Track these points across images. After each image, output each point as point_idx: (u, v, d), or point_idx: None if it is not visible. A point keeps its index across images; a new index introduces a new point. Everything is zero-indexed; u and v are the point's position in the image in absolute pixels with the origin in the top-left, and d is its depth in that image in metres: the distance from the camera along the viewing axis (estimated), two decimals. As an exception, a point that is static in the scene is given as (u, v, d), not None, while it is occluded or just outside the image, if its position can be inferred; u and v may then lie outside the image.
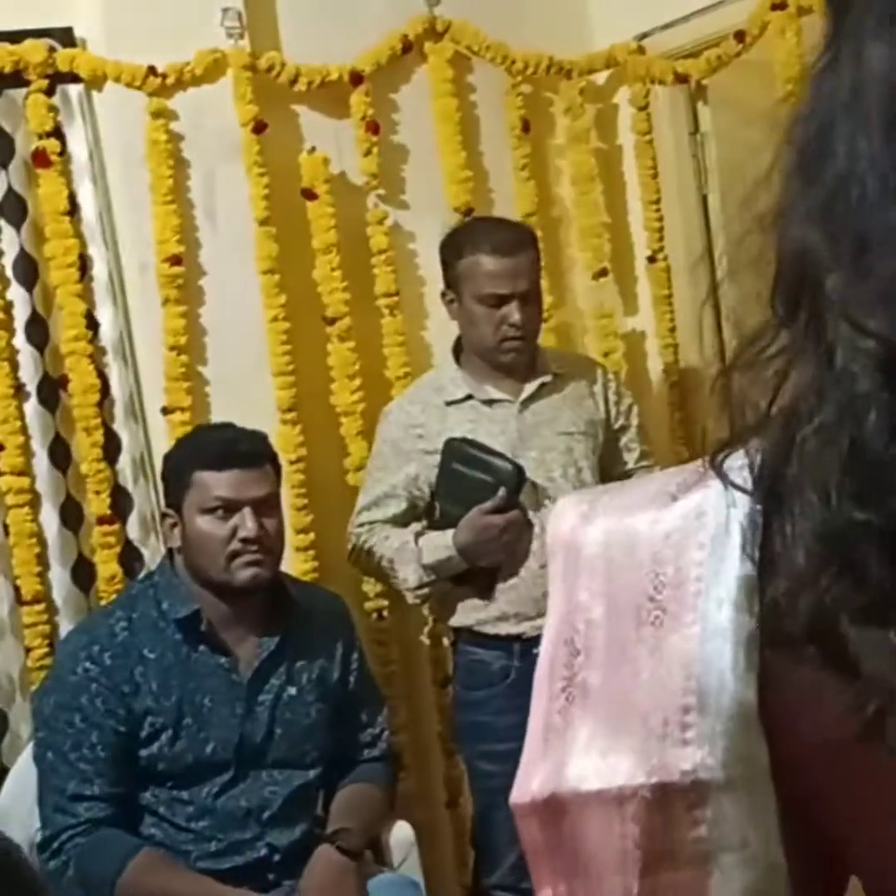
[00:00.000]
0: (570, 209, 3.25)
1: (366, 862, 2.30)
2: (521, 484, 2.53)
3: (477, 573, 2.58)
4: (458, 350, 2.70)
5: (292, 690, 2.33)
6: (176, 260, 2.72)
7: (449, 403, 2.64)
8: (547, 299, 2.78)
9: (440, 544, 2.55)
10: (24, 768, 2.36)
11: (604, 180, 3.28)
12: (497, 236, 2.59)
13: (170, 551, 2.37)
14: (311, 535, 2.84)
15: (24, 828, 2.28)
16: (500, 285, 2.56)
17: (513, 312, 2.57)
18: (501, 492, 2.49)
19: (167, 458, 2.40)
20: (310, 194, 2.87)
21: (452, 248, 2.63)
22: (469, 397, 2.64)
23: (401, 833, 2.48)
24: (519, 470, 2.52)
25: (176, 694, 2.24)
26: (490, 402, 2.65)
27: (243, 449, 2.28)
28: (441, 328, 2.82)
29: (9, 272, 2.60)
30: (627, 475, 2.81)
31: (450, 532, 2.54)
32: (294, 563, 2.78)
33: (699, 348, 3.29)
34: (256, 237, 2.81)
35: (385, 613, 2.91)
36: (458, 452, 2.54)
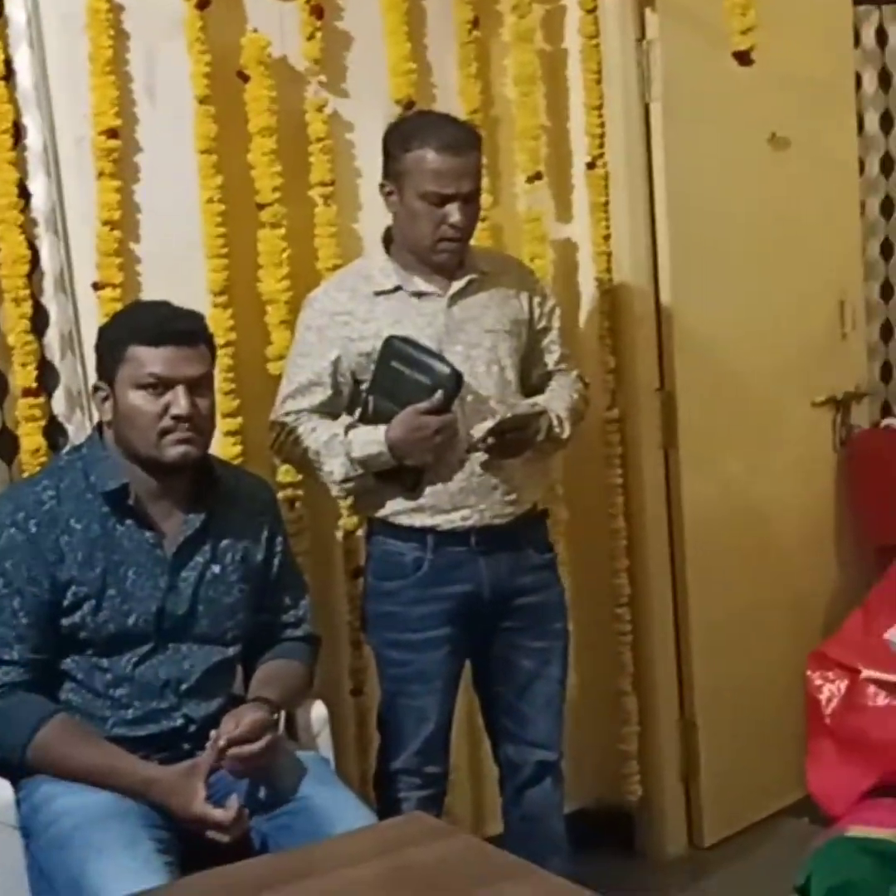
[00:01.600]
0: (511, 110, 3.24)
1: (279, 735, 2.35)
2: (459, 388, 2.56)
3: (402, 471, 2.62)
4: (387, 240, 2.71)
5: (216, 568, 2.36)
6: (112, 133, 2.68)
7: (377, 294, 2.65)
8: (483, 200, 2.79)
9: (371, 439, 2.57)
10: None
11: (547, 82, 3.29)
12: (446, 134, 2.57)
13: (99, 425, 2.36)
14: (239, 420, 2.85)
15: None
16: (444, 184, 2.55)
17: (453, 213, 2.57)
18: (439, 394, 2.52)
19: (102, 330, 2.38)
20: (244, 76, 2.83)
21: (398, 140, 2.61)
22: (398, 289, 2.66)
23: (316, 712, 2.54)
24: (457, 374, 2.54)
25: (100, 565, 2.26)
26: (419, 295, 2.66)
27: (181, 327, 2.28)
28: (375, 222, 2.82)
29: (-61, 135, 2.55)
30: (547, 376, 2.85)
31: (382, 428, 2.57)
32: (221, 447, 2.79)
33: (631, 258, 3.34)
34: (195, 116, 2.78)
35: (299, 503, 2.94)
36: (397, 351, 2.56)
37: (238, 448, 2.85)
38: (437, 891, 1.78)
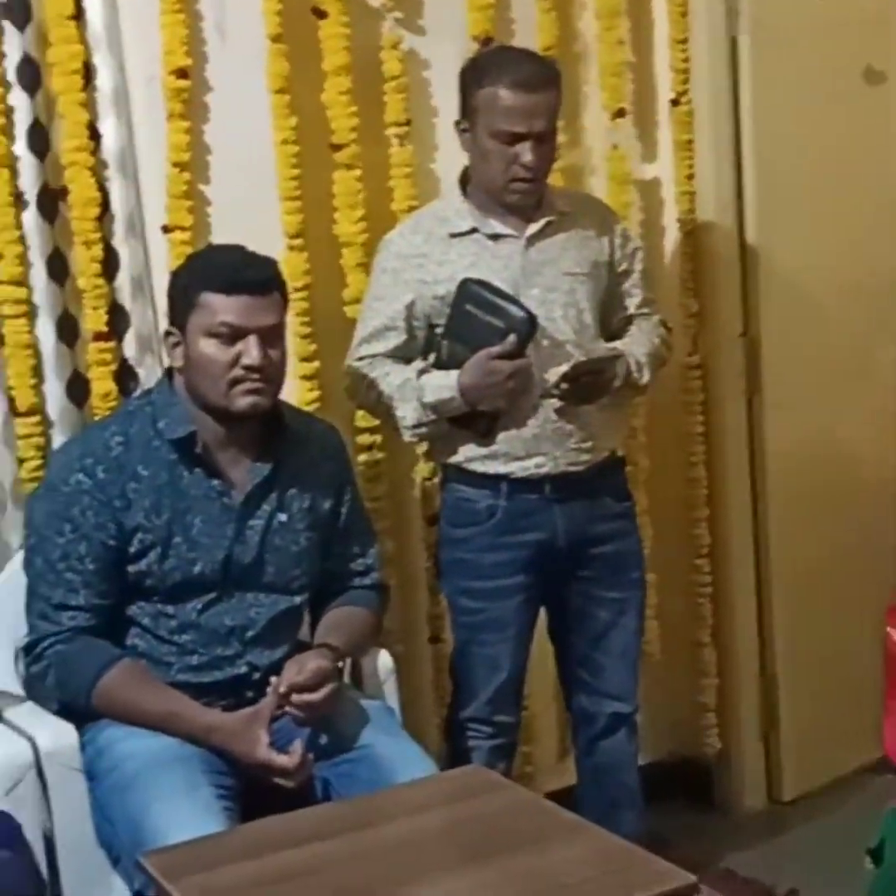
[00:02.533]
0: (591, 45, 3.15)
1: (344, 684, 2.34)
2: (533, 332, 2.50)
3: (476, 417, 2.57)
4: (464, 181, 2.65)
5: (283, 517, 2.34)
6: (182, 73, 2.64)
7: (453, 236, 2.60)
8: (560, 138, 2.72)
9: (443, 384, 2.53)
10: (12, 575, 2.39)
11: (630, 16, 3.18)
12: (521, 70, 2.50)
13: (169, 370, 2.35)
14: (315, 364, 2.83)
15: (11, 632, 2.32)
16: (516, 123, 2.49)
17: (525, 152, 2.50)
18: (512, 338, 2.46)
19: (175, 275, 2.35)
20: (320, 12, 2.78)
21: (473, 76, 2.54)
22: (474, 231, 2.60)
23: (381, 662, 2.52)
24: (532, 318, 2.49)
25: (167, 513, 2.25)
26: (495, 237, 2.60)
27: (254, 275, 2.23)
28: (451, 162, 2.75)
29: (11, 76, 2.52)
30: (628, 321, 2.78)
31: (454, 372, 2.52)
32: (298, 392, 2.77)
33: (716, 198, 3.23)
34: (268, 54, 2.73)
35: (377, 448, 2.91)
36: (471, 294, 2.51)
37: (315, 393, 2.83)
38: (489, 845, 1.77)
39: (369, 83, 2.85)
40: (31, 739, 2.18)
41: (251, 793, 2.16)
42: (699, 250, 3.28)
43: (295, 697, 2.16)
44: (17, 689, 2.33)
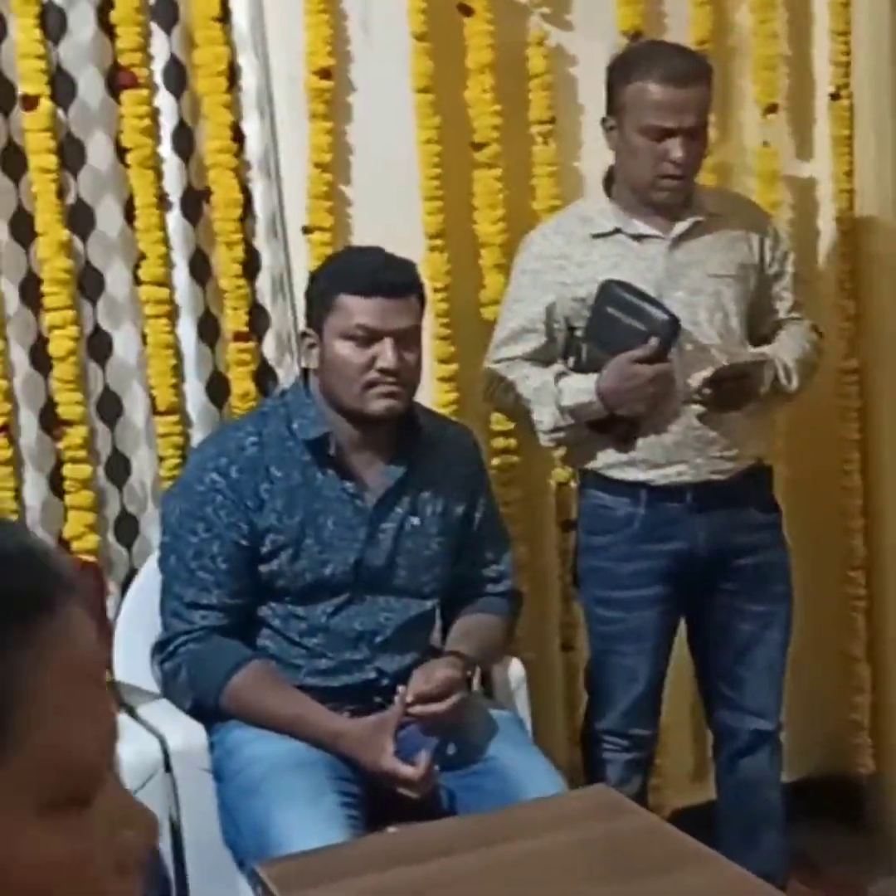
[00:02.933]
0: (746, 39, 3.04)
1: (474, 693, 2.30)
2: (675, 336, 2.42)
3: (615, 422, 2.51)
4: (609, 181, 2.58)
5: (415, 520, 2.32)
6: (325, 73, 2.64)
7: (595, 236, 2.53)
8: (711, 134, 2.63)
9: (582, 388, 2.47)
10: (151, 572, 2.41)
11: (787, 7, 3.07)
12: (670, 64, 2.43)
13: (304, 372, 2.34)
14: (453, 366, 2.80)
15: (150, 629, 2.34)
16: (665, 118, 2.41)
17: (675, 148, 2.43)
18: (653, 341, 2.39)
19: (313, 276, 2.35)
20: (467, 9, 2.74)
21: (620, 71, 2.48)
22: (617, 231, 2.53)
23: (512, 670, 2.48)
24: (675, 321, 2.41)
25: (299, 514, 2.24)
26: (639, 238, 2.53)
27: (392, 278, 2.22)
28: (596, 161, 2.69)
29: (158, 78, 2.55)
30: (777, 325, 2.68)
31: (593, 376, 2.46)
32: (436, 394, 2.75)
33: (877, 195, 3.10)
34: (412, 53, 2.71)
35: (513, 452, 2.86)
36: (613, 295, 2.44)
37: (452, 395, 2.80)
38: (616, 869, 1.72)
39: (513, 80, 2.80)
40: (161, 738, 2.20)
41: (376, 801, 2.14)
42: (858, 250, 3.14)
43: (421, 708, 2.13)
44: (152, 686, 2.36)
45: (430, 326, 2.69)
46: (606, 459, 2.56)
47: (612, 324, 2.45)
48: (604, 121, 2.53)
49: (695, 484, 2.54)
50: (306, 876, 1.76)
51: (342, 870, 1.79)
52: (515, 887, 1.72)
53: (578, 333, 2.53)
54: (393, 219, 2.69)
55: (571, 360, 2.55)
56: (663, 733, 2.80)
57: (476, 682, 2.33)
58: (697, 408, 2.50)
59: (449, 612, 2.42)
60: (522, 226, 2.73)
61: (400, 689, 2.16)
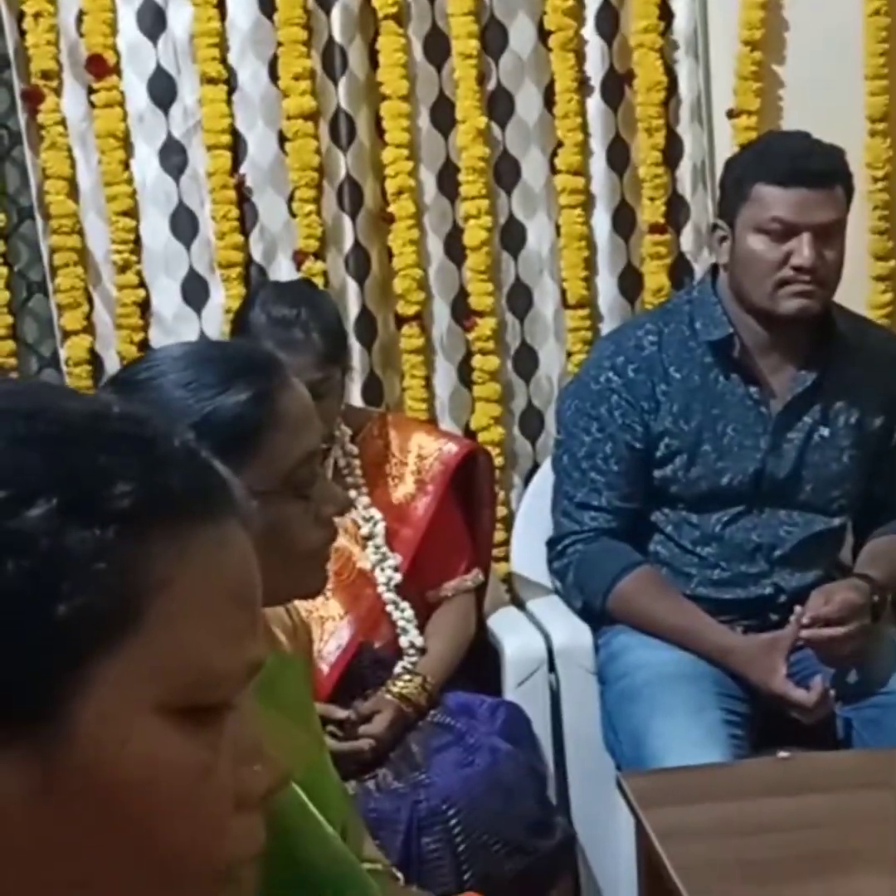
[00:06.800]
0: None
1: (883, 622, 2.12)
2: None
3: None
4: None
5: (825, 431, 2.15)
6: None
7: None
8: None
9: None
10: (551, 468, 2.38)
11: None
12: None
13: (714, 267, 2.21)
14: (891, 263, 2.56)
15: (548, 523, 2.32)
16: None
17: None
18: None
19: (728, 164, 2.20)
20: None
21: None
22: None
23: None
24: None
25: (697, 419, 2.14)
26: None
27: (815, 166, 2.04)
28: None
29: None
30: None
31: None
32: (869, 295, 2.55)
33: None
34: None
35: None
36: None
37: (888, 295, 2.57)
38: None
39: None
40: (547, 635, 2.19)
41: (764, 722, 2.04)
42: None
43: (814, 631, 1.98)
44: (547, 581, 2.34)
45: (865, 219, 2.47)
46: None
47: None
48: None
49: None
50: (672, 793, 1.69)
51: (712, 792, 1.69)
52: (887, 839, 1.56)
53: None
54: (830, 101, 2.47)
55: None
56: None
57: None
58: None
59: (863, 532, 2.24)
60: None
61: (797, 608, 2.02)
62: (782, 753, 1.86)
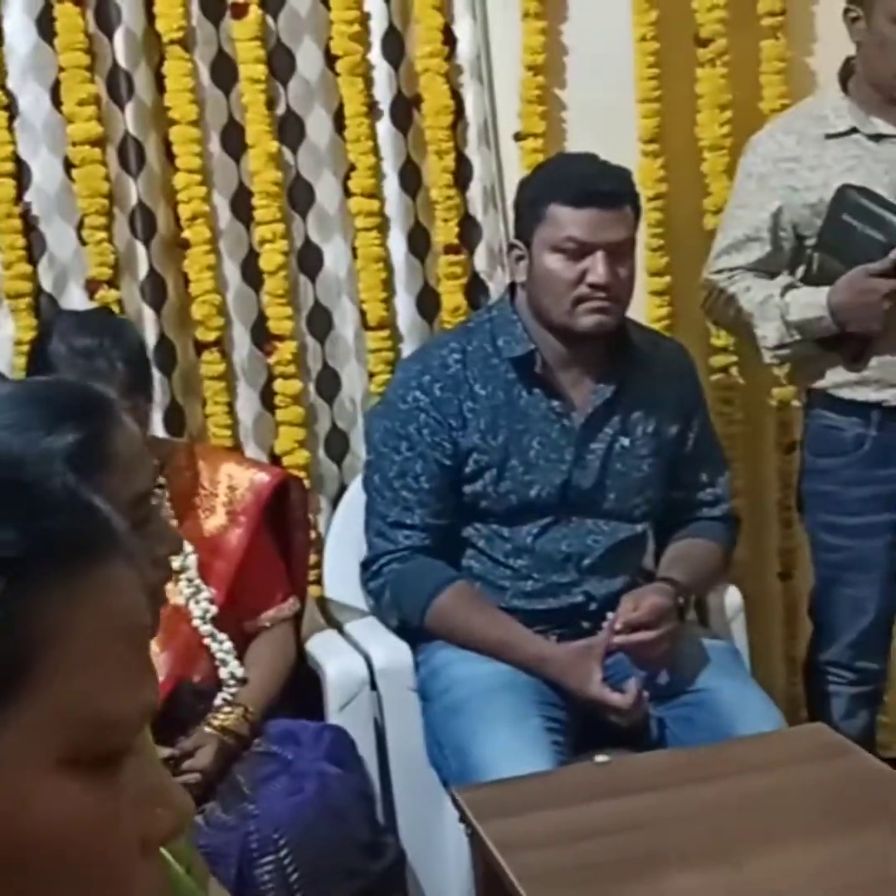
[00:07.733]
0: None
1: (688, 622, 2.21)
2: None
3: (846, 338, 2.34)
4: (845, 75, 2.38)
5: (625, 441, 2.22)
6: (538, -32, 2.52)
7: (829, 136, 2.35)
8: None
9: (811, 302, 2.31)
10: (360, 488, 2.39)
11: None
12: None
13: (512, 286, 2.27)
14: (667, 279, 2.67)
15: (358, 545, 2.33)
16: None
17: None
18: (893, 254, 2.21)
19: (522, 185, 2.26)
20: None
21: None
22: (853, 131, 2.34)
23: (729, 598, 2.37)
24: None
25: (504, 434, 2.18)
26: (878, 138, 2.34)
27: (606, 187, 2.11)
28: (831, 56, 2.48)
29: (367, -19, 2.48)
30: None
31: (824, 290, 2.30)
32: (647, 309, 2.63)
33: None
34: (629, -55, 2.56)
35: (733, 370, 2.72)
36: (850, 202, 2.27)
37: (664, 310, 2.67)
38: (830, 819, 1.61)
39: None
40: (366, 656, 2.19)
41: (582, 727, 2.09)
42: None
43: (626, 636, 2.05)
44: (362, 603, 2.35)
45: (642, 237, 2.56)
46: (835, 378, 2.40)
47: (847, 233, 2.27)
48: (846, 12, 2.32)
49: (931, 405, 2.36)
50: (505, 804, 1.72)
51: (544, 800, 1.74)
52: (724, 831, 1.63)
53: (808, 243, 2.37)
54: (607, 123, 2.57)
55: (800, 271, 2.39)
56: (892, 668, 2.65)
57: (691, 610, 2.23)
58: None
59: (663, 537, 2.33)
60: (748, 127, 2.56)
61: (609, 615, 2.09)
62: (600, 758, 1.91)
